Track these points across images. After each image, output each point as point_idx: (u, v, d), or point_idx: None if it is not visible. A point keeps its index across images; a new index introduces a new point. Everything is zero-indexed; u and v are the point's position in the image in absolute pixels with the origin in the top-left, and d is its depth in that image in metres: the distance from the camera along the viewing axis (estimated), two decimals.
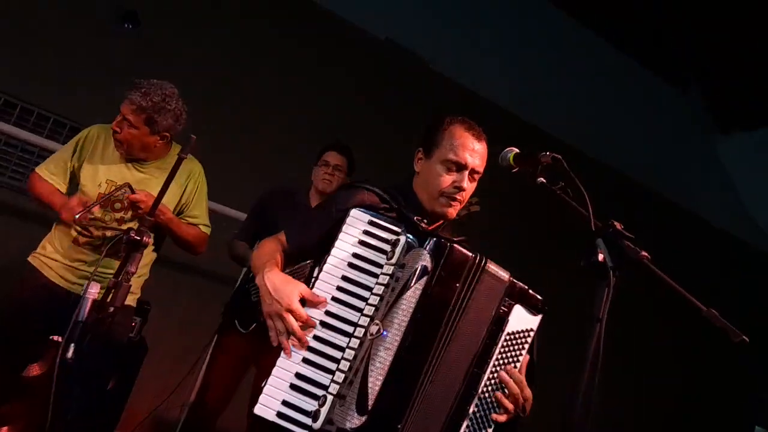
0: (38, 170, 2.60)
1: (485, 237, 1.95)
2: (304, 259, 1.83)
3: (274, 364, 1.56)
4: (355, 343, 1.53)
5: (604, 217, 1.40)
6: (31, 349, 2.65)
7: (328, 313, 1.57)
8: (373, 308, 1.54)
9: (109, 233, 2.51)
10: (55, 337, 2.62)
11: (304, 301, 1.58)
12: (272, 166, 4.70)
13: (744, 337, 1.18)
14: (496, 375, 1.59)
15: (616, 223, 1.33)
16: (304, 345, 1.54)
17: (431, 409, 1.51)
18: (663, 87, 6.85)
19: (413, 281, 1.51)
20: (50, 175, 2.58)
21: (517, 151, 1.72)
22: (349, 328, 1.56)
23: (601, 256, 1.28)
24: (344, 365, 1.52)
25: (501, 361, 1.60)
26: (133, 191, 2.49)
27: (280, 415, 1.51)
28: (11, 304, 2.52)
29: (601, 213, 1.37)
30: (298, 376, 1.53)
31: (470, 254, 1.56)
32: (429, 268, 1.51)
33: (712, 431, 6.68)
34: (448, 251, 1.53)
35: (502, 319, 1.59)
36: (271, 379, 1.54)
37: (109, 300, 1.93)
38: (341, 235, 1.62)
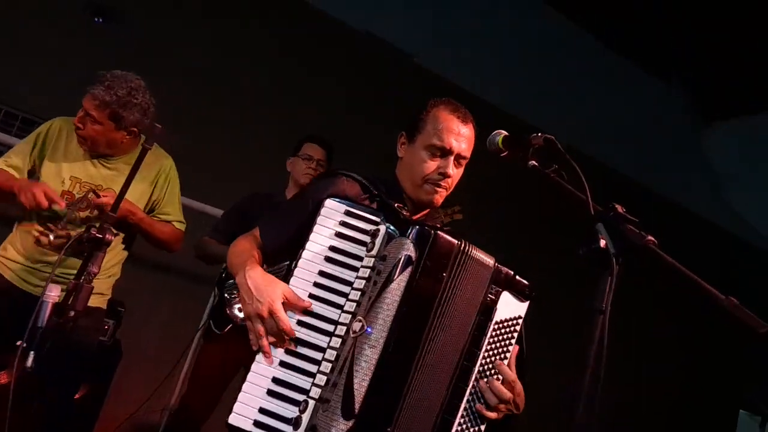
0: None
1: (468, 222, 1.83)
2: (281, 257, 1.70)
3: None
4: (336, 342, 1.42)
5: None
6: None
7: (305, 311, 1.46)
8: (355, 304, 1.44)
9: (73, 233, 2.36)
10: (21, 343, 2.47)
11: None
12: (251, 162, 4.56)
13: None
14: (486, 367, 1.49)
15: (617, 206, 1.22)
16: (285, 346, 1.43)
17: (421, 408, 1.40)
18: (646, 79, 6.81)
19: (397, 273, 1.40)
20: (8, 167, 2.41)
21: (506, 134, 1.60)
22: (329, 327, 1.44)
23: (603, 242, 1.17)
24: (326, 367, 1.40)
25: (491, 352, 1.51)
26: (98, 195, 2.33)
27: (257, 424, 1.39)
28: None
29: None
30: (276, 380, 1.42)
31: (456, 241, 1.46)
32: (413, 258, 1.41)
33: (697, 417, 6.67)
34: (433, 239, 1.42)
35: (490, 308, 1.50)
36: (245, 386, 1.42)
37: (69, 303, 1.78)
38: (316, 228, 1.51)
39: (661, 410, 6.32)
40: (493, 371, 1.50)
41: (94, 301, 2.43)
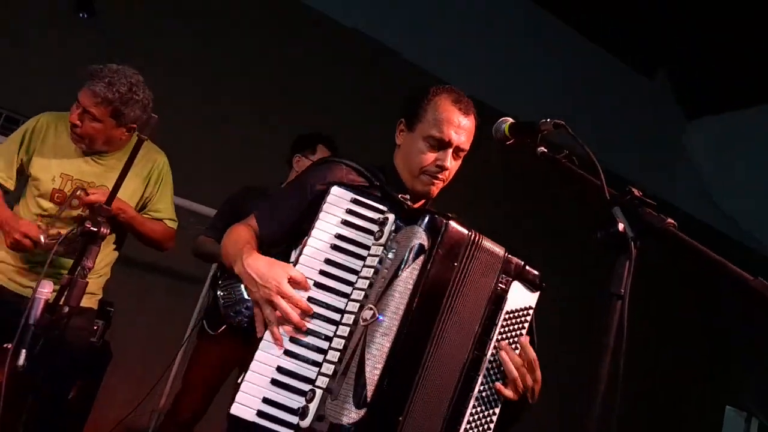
0: None
1: (469, 210, 1.79)
2: (276, 246, 1.65)
3: None
4: (343, 331, 1.39)
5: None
6: None
7: (311, 299, 1.42)
8: (362, 293, 1.41)
9: (64, 231, 2.29)
10: (8, 345, 2.39)
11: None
12: (241, 159, 4.51)
13: None
14: (497, 357, 1.47)
15: (634, 189, 1.19)
16: (302, 330, 1.38)
17: (433, 397, 1.38)
18: (630, 73, 6.85)
19: (409, 261, 1.37)
20: None
21: (512, 121, 1.57)
22: (336, 316, 1.41)
23: (621, 226, 1.15)
24: (333, 356, 1.37)
25: (502, 342, 1.49)
26: (87, 193, 2.27)
27: (261, 414, 1.35)
28: None
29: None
30: (280, 370, 1.38)
31: (467, 231, 1.44)
32: (426, 247, 1.38)
33: (684, 413, 6.72)
34: (445, 228, 1.40)
35: (500, 297, 1.48)
36: (248, 375, 1.37)
37: (63, 300, 1.72)
38: (322, 215, 1.48)
39: (648, 406, 6.35)
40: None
41: (86, 301, 2.37)
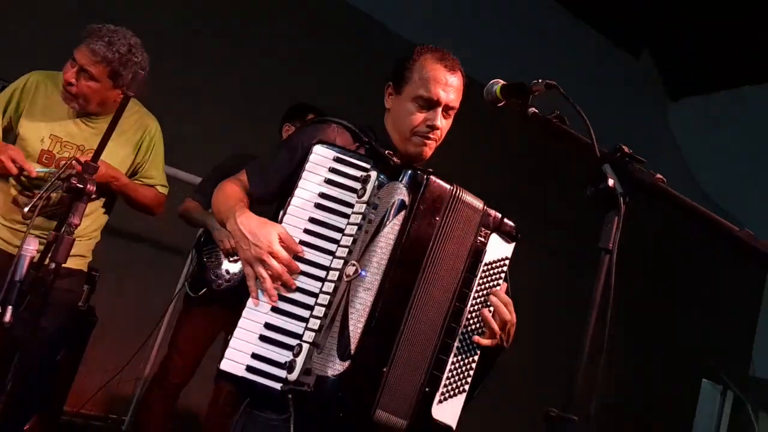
0: None
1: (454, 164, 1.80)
2: (266, 203, 1.66)
3: None
4: (329, 287, 1.42)
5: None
6: None
7: (296, 257, 1.45)
8: (346, 250, 1.44)
9: (54, 195, 2.25)
10: None
11: None
12: (229, 128, 4.46)
13: None
14: (476, 307, 1.51)
15: (624, 146, 1.21)
16: (291, 288, 1.41)
17: (415, 349, 1.42)
18: (615, 53, 6.86)
19: (390, 217, 1.40)
20: None
21: (504, 82, 1.57)
22: (321, 273, 1.44)
23: (611, 182, 1.16)
24: (319, 311, 1.40)
25: (481, 293, 1.53)
26: (79, 162, 2.23)
27: (250, 369, 1.38)
28: None
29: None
30: (268, 326, 1.41)
31: (448, 186, 1.46)
32: (407, 202, 1.41)
33: (661, 386, 6.85)
34: (426, 184, 1.43)
35: (480, 250, 1.52)
36: (237, 332, 1.40)
37: (50, 256, 1.70)
38: (305, 174, 1.50)
39: (623, 380, 6.47)
40: (483, 308, 1.52)
41: (75, 263, 2.37)
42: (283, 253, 1.42)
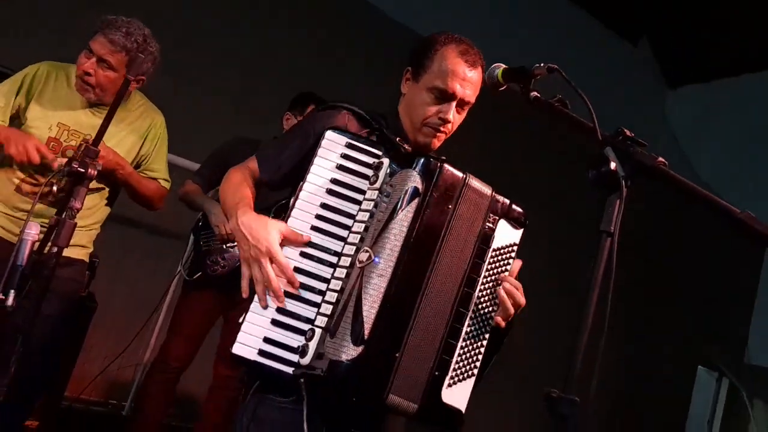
0: None
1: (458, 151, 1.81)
2: (277, 189, 1.67)
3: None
4: (341, 273, 1.42)
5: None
6: None
7: (308, 243, 1.45)
8: (358, 236, 1.44)
9: (55, 182, 2.25)
10: None
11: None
12: (228, 115, 4.45)
13: None
14: (485, 293, 1.52)
15: (625, 130, 1.21)
16: (279, 299, 1.40)
17: (426, 334, 1.42)
18: (614, 40, 6.85)
19: (403, 204, 1.40)
20: None
21: (505, 66, 1.57)
22: (333, 258, 1.44)
23: (613, 165, 1.17)
24: (331, 297, 1.41)
25: (489, 279, 1.54)
26: (87, 144, 2.23)
27: (262, 353, 1.38)
28: None
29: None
30: (280, 311, 1.41)
31: (460, 174, 1.47)
32: (420, 190, 1.41)
33: (657, 373, 6.89)
34: (440, 172, 1.43)
35: (488, 236, 1.52)
36: (249, 316, 1.40)
37: (51, 240, 1.70)
38: (317, 160, 1.49)
39: (620, 367, 6.51)
40: (491, 295, 1.53)
41: (77, 253, 2.38)
42: (281, 257, 1.41)
